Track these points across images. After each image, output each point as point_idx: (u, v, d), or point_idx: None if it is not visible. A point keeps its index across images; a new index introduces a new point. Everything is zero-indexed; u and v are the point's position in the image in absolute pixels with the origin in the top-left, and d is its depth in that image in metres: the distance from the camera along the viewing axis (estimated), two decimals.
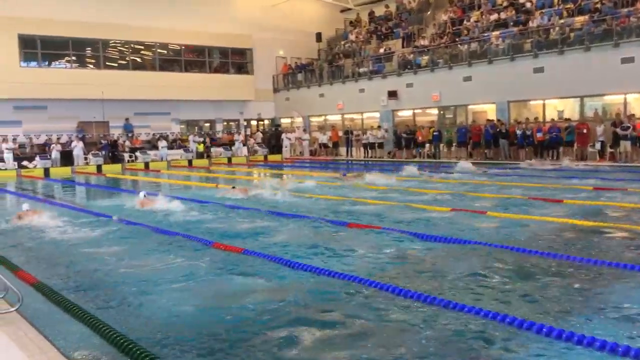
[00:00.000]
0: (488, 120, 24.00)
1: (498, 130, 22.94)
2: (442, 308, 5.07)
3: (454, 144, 25.10)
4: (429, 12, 31.62)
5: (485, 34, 25.16)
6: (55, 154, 25.78)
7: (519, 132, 22.27)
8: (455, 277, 6.23)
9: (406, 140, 26.59)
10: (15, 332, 4.28)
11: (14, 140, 25.86)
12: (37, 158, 25.29)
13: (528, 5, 25.24)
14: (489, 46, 24.40)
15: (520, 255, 7.05)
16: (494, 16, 26.03)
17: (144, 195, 12.73)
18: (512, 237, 8.20)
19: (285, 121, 35.39)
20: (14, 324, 4.43)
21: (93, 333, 4.58)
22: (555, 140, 21.45)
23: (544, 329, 4.38)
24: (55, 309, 5.24)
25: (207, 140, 31.15)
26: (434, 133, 25.36)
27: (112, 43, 29.75)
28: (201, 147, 30.11)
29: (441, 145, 25.59)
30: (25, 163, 25.01)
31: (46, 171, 24.35)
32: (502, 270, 6.52)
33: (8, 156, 24.52)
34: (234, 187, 14.33)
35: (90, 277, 6.76)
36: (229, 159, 29.42)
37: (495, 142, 23.14)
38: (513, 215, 9.84)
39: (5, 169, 24.09)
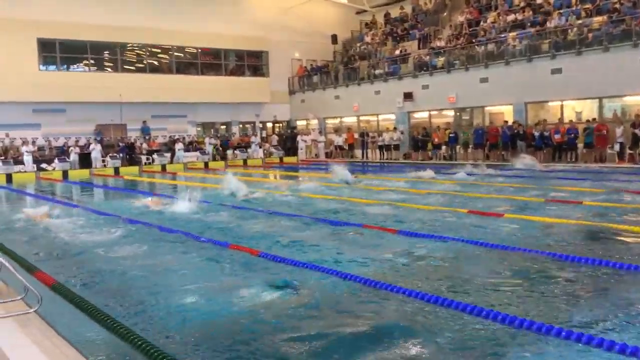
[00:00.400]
0: (505, 121, 23.83)
1: (516, 131, 22.76)
2: (460, 311, 5.04)
3: (470, 146, 24.93)
4: (445, 14, 31.49)
5: (502, 35, 24.98)
6: (73, 156, 26.08)
7: (536, 133, 22.08)
8: (473, 280, 6.18)
9: (422, 142, 26.49)
10: (34, 332, 4.33)
11: (33, 143, 26.20)
12: (56, 160, 25.60)
13: (546, 6, 24.99)
14: (506, 47, 24.22)
15: (538, 257, 6.97)
16: (511, 17, 25.84)
17: (152, 197, 13.66)
18: (531, 239, 8.12)
19: (300, 123, 35.45)
20: (33, 325, 4.48)
21: (110, 334, 4.61)
22: (574, 142, 21.27)
23: (563, 332, 4.32)
24: (73, 310, 5.28)
25: (218, 142, 31.13)
26: (450, 135, 25.22)
27: (130, 46, 30.05)
28: (214, 150, 30.30)
29: (457, 147, 25.44)
30: (44, 165, 25.33)
31: (65, 173, 24.64)
32: (520, 273, 6.46)
33: (27, 159, 24.84)
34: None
35: (104, 277, 6.83)
36: (245, 161, 29.53)
37: (513, 144, 22.96)
38: (532, 217, 9.73)
39: (25, 172, 24.40)
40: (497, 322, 4.74)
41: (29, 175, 24.09)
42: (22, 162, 24.84)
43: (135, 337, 4.31)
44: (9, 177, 23.21)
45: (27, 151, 25.01)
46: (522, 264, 6.77)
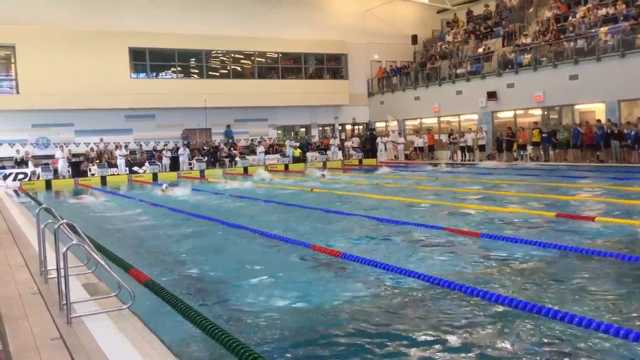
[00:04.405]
0: (598, 120, 22.62)
1: (610, 131, 21.55)
2: (548, 317, 4.83)
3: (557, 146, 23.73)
4: (531, 10, 30.36)
5: (593, 30, 23.76)
6: (165, 160, 27.37)
7: (631, 132, 20.78)
8: (560, 286, 5.91)
9: (507, 142, 25.58)
10: (127, 328, 4.54)
11: (126, 147, 27.62)
12: (147, 164, 26.87)
13: None
14: (597, 43, 23.01)
15: (632, 264, 6.56)
16: (602, 11, 24.52)
17: (166, 186, 17.17)
18: (623, 245, 7.68)
19: (379, 125, 35.27)
20: (126, 321, 4.71)
21: (198, 331, 4.75)
22: None
23: None
24: (164, 305, 5.49)
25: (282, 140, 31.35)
26: (543, 135, 24.11)
27: (214, 53, 31.07)
28: (297, 152, 30.70)
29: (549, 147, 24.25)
30: (135, 168, 26.66)
31: (154, 176, 25.79)
32: (609, 279, 6.11)
33: (121, 162, 26.25)
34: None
35: (186, 272, 7.08)
36: (325, 163, 29.73)
37: (606, 144, 21.75)
38: (626, 221, 9.17)
39: (118, 174, 25.77)
40: (590, 329, 4.50)
41: (122, 178, 25.39)
42: (115, 165, 26.27)
43: (226, 335, 4.36)
44: (103, 180, 24.57)
45: (120, 155, 26.42)
46: (614, 270, 6.40)
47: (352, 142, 32.97)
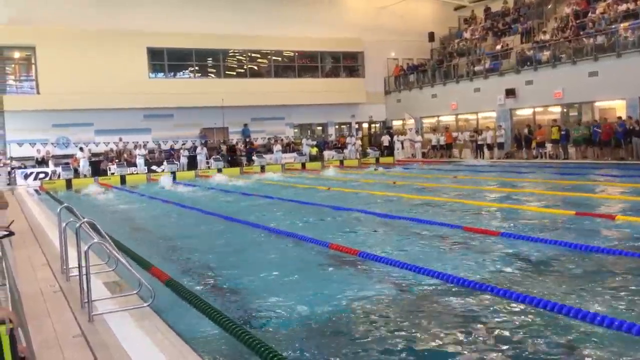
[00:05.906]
0: (619, 117, 22.32)
1: (631, 128, 21.23)
2: (569, 316, 4.79)
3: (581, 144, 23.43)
4: (549, 6, 30.03)
5: (613, 26, 23.43)
6: (183, 159, 27.57)
7: None
8: (580, 285, 5.86)
9: (526, 140, 25.32)
10: (148, 326, 4.59)
11: (145, 146, 27.85)
12: (165, 163, 27.08)
13: None
14: (618, 38, 22.69)
15: None
16: (623, 7, 24.17)
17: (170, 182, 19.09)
18: None
19: (396, 123, 35.14)
20: (147, 319, 4.76)
21: (217, 326, 4.79)
22: None
23: None
24: (184, 304, 5.54)
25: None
26: (562, 132, 23.83)
27: (231, 53, 31.19)
28: (314, 151, 30.72)
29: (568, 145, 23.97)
30: (154, 167, 26.88)
31: (173, 175, 25.96)
32: (630, 278, 6.04)
33: (140, 161, 26.47)
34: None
35: (208, 270, 7.12)
36: (341, 162, 29.69)
37: (627, 141, 21.43)
38: None
39: (137, 173, 26.00)
40: (612, 328, 4.46)
41: (141, 177, 25.60)
42: (134, 165, 26.50)
43: (246, 334, 4.39)
44: (122, 179, 24.81)
45: (139, 154, 26.64)
46: (636, 270, 6.32)
47: (383, 141, 32.71)
